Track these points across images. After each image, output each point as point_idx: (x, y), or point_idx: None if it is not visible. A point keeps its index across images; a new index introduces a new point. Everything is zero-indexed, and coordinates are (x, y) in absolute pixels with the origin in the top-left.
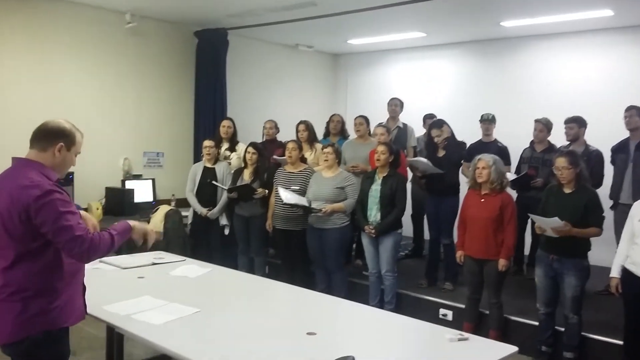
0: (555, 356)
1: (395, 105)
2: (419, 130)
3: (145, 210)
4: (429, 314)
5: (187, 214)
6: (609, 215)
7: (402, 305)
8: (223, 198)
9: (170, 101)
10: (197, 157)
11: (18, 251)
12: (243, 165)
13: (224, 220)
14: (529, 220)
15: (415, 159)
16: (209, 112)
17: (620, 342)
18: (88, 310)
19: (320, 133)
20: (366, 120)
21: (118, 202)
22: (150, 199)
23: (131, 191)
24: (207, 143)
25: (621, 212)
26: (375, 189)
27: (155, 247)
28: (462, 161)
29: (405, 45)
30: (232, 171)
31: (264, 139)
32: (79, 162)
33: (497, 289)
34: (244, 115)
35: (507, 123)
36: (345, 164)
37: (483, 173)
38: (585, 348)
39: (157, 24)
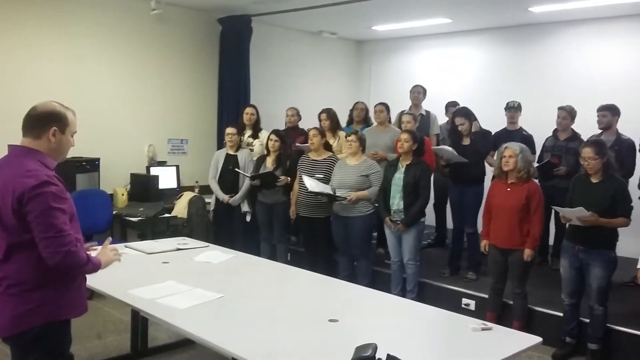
0: (580, 347)
1: (418, 93)
2: (442, 118)
3: (169, 197)
4: (451, 303)
5: (210, 200)
6: (637, 205)
7: (424, 294)
8: (245, 185)
9: (194, 88)
10: (221, 144)
11: (13, 242)
12: (265, 152)
13: (245, 207)
14: (553, 210)
15: (440, 147)
16: (233, 100)
17: None
18: (113, 294)
19: (343, 121)
20: (386, 107)
21: (143, 188)
22: (174, 185)
23: (156, 177)
24: (229, 130)
25: None
26: (399, 177)
27: (180, 233)
28: (490, 152)
29: (430, 32)
30: (255, 158)
31: (286, 127)
32: (105, 149)
33: (522, 279)
34: (267, 102)
35: (533, 111)
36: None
37: (510, 162)
38: (610, 340)
39: (182, 11)
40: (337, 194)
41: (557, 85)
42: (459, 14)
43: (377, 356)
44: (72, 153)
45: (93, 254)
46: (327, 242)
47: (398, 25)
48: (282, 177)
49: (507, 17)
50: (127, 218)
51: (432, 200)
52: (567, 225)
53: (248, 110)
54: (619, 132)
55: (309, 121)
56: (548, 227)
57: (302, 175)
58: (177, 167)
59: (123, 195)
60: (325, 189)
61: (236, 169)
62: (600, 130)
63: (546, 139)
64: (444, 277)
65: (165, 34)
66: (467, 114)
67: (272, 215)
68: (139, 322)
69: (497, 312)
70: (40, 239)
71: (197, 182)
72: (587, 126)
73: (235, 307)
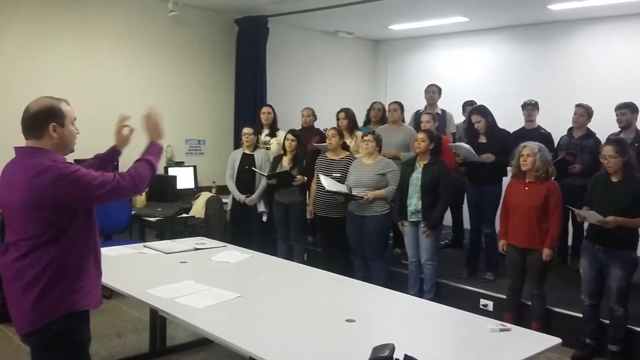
0: (600, 349)
1: (433, 92)
2: (458, 117)
3: (187, 197)
4: (469, 304)
5: (227, 200)
6: None
7: (442, 295)
8: (261, 185)
9: (211, 89)
10: (238, 144)
11: (36, 239)
12: (282, 152)
13: (262, 207)
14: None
15: (458, 144)
16: (249, 100)
17: None
18: (132, 294)
19: (360, 121)
20: (400, 106)
21: (161, 188)
22: (192, 185)
23: (174, 178)
24: (246, 130)
25: None
26: (416, 177)
27: (197, 233)
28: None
29: (447, 31)
30: (271, 158)
31: (302, 127)
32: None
33: (540, 280)
34: (283, 102)
35: (551, 110)
36: None
37: (528, 161)
38: (630, 341)
39: (199, 12)
40: (353, 193)
41: (575, 83)
42: (476, 12)
43: (394, 356)
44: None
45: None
46: (344, 242)
47: (415, 24)
48: (299, 177)
49: (525, 15)
50: (146, 218)
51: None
52: (585, 224)
53: (265, 109)
54: (639, 130)
55: (324, 121)
56: (567, 228)
57: (319, 174)
58: (195, 167)
59: (142, 195)
60: (342, 188)
61: (253, 168)
62: (620, 129)
63: (561, 137)
64: (461, 277)
65: (183, 36)
66: (484, 112)
67: (288, 215)
68: (158, 321)
69: (515, 312)
70: (108, 197)
71: (214, 182)
72: (605, 124)
73: (252, 307)
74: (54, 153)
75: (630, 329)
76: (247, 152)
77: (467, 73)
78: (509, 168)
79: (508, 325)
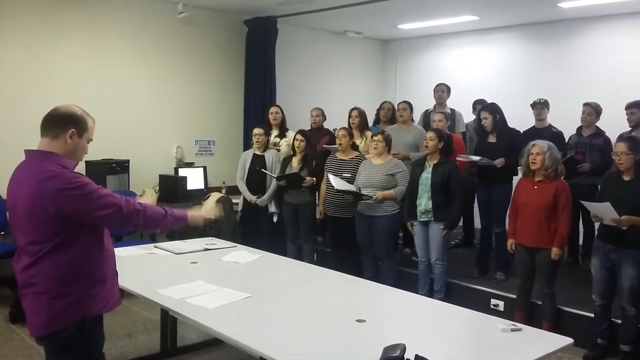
0: (612, 349)
1: (442, 92)
2: (468, 116)
3: (197, 198)
4: (479, 304)
5: (238, 201)
6: None
7: (452, 295)
8: (272, 185)
9: (220, 90)
10: (247, 145)
11: (46, 245)
12: (292, 152)
13: (272, 208)
14: (581, 210)
15: (465, 156)
16: (259, 100)
17: None
18: (143, 294)
19: (370, 120)
20: (409, 105)
21: (171, 189)
22: (202, 186)
23: (184, 178)
24: (256, 131)
25: None
26: (426, 176)
27: (207, 234)
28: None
29: (457, 30)
30: (281, 158)
31: (311, 127)
32: (135, 151)
33: (550, 279)
34: (293, 103)
35: (562, 108)
36: None
37: (537, 159)
38: None
39: (208, 14)
40: (362, 193)
41: (586, 81)
42: (486, 11)
43: (405, 357)
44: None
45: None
46: (354, 242)
47: (424, 23)
48: (308, 178)
49: (535, 13)
50: None
51: None
52: (596, 224)
53: (273, 110)
54: None
55: (334, 121)
56: (577, 227)
57: (328, 174)
58: (205, 168)
59: (152, 196)
60: (351, 187)
61: (262, 170)
62: (630, 128)
63: (570, 136)
64: (472, 277)
65: (192, 37)
66: (493, 110)
67: (298, 215)
68: (168, 321)
69: (525, 312)
70: (107, 221)
71: (224, 182)
72: (616, 123)
73: (262, 307)
74: (64, 158)
75: None
76: (258, 152)
77: (477, 72)
78: (519, 167)
79: (519, 325)
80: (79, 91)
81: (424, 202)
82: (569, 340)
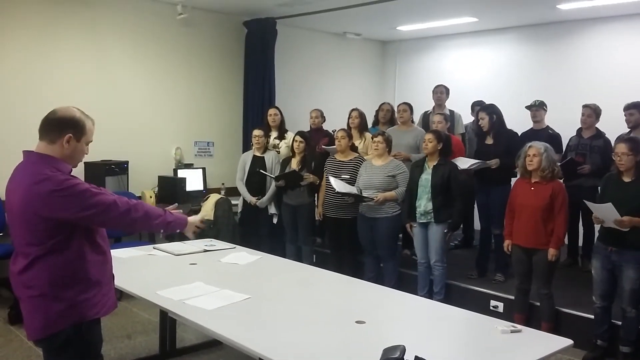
0: (612, 350)
1: (441, 93)
2: (467, 118)
3: (196, 199)
4: (479, 305)
5: (237, 202)
6: None
7: (452, 296)
8: (272, 187)
9: (220, 91)
10: (246, 146)
11: (40, 247)
12: (291, 154)
13: (272, 209)
14: (581, 211)
15: (459, 159)
16: (258, 102)
17: None
18: (142, 295)
19: (369, 122)
20: (410, 107)
21: (170, 190)
22: (201, 187)
23: (183, 180)
24: (256, 132)
25: None
26: (426, 178)
27: (206, 235)
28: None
29: (456, 31)
30: (281, 160)
31: (311, 128)
32: (134, 152)
33: (547, 280)
34: (292, 104)
35: (560, 110)
36: None
37: (534, 161)
38: None
39: (208, 15)
40: (364, 195)
41: (585, 83)
42: (485, 12)
43: (405, 358)
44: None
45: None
46: (353, 243)
47: (423, 25)
48: (306, 175)
49: (535, 15)
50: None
51: None
52: (597, 226)
53: (271, 111)
54: None
55: (333, 123)
56: (577, 228)
57: (329, 176)
58: (204, 169)
59: (151, 197)
60: (352, 189)
61: (261, 170)
62: (629, 129)
63: (570, 138)
64: (471, 278)
65: (191, 38)
66: (490, 111)
67: (297, 216)
68: (167, 322)
69: (524, 313)
70: (99, 220)
71: (223, 184)
72: (615, 124)
73: (262, 308)
74: (60, 162)
75: None
76: (258, 154)
77: (476, 73)
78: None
79: (519, 326)
80: (78, 92)
81: (423, 203)
82: (568, 342)
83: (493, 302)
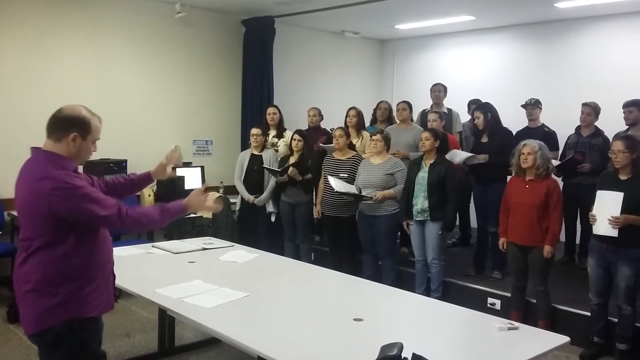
0: (608, 347)
1: (439, 91)
2: (465, 116)
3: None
4: (476, 302)
5: (235, 200)
6: None
7: (449, 294)
8: (270, 185)
9: (218, 90)
10: (245, 145)
11: (39, 241)
12: (289, 152)
13: (270, 207)
14: (579, 209)
15: (453, 152)
16: (256, 100)
17: None
18: (141, 293)
19: (367, 120)
20: (409, 105)
21: (169, 189)
22: (199, 186)
23: (181, 178)
24: (254, 131)
25: None
26: (423, 176)
27: (205, 233)
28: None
29: (454, 30)
30: (279, 158)
31: (309, 127)
32: (132, 150)
33: (543, 277)
34: (290, 102)
35: (558, 108)
36: None
37: (528, 159)
38: (639, 339)
39: (206, 14)
40: (362, 194)
41: (582, 81)
42: (483, 11)
43: (402, 355)
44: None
45: None
46: (352, 241)
47: (421, 23)
48: (291, 172)
49: (532, 13)
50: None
51: None
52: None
53: (270, 110)
54: None
55: (331, 121)
56: (575, 226)
57: (328, 175)
58: (202, 167)
59: (150, 196)
60: (351, 188)
61: (264, 166)
62: (627, 127)
63: (569, 136)
64: (469, 276)
65: (190, 37)
66: (484, 109)
67: (295, 214)
68: (166, 320)
69: (521, 310)
70: (97, 224)
71: (221, 182)
72: (612, 123)
73: (260, 306)
74: (66, 160)
75: (638, 328)
76: (255, 152)
77: (474, 72)
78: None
79: (516, 323)
80: (77, 91)
81: (420, 201)
82: (565, 339)
83: (490, 300)
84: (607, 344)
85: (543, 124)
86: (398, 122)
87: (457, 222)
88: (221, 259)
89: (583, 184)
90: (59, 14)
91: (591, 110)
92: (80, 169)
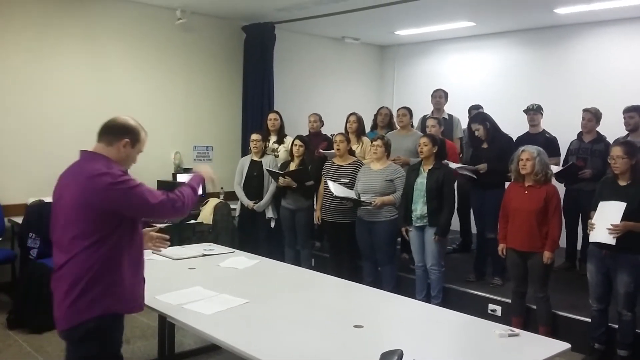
0: (609, 354)
1: (440, 97)
2: (466, 122)
3: (195, 203)
4: (477, 309)
5: (236, 206)
6: None
7: (450, 300)
8: (270, 190)
9: (219, 96)
10: (245, 151)
11: (87, 239)
12: (290, 158)
13: (270, 213)
14: (581, 215)
15: (446, 162)
16: (257, 106)
17: None
18: None
19: (367, 126)
20: (409, 111)
21: None
22: (200, 192)
23: (182, 184)
24: (254, 136)
25: None
26: (421, 182)
27: (205, 239)
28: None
29: (454, 35)
30: (279, 164)
31: (309, 132)
32: None
33: (543, 283)
34: (291, 108)
35: (558, 114)
36: None
37: (527, 165)
38: None
39: (207, 20)
40: (362, 199)
41: (582, 87)
42: (482, 17)
43: None
44: None
45: None
46: (352, 247)
47: (421, 29)
48: (282, 180)
49: (532, 19)
50: (154, 224)
51: (456, 205)
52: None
53: (271, 116)
54: None
55: (331, 127)
56: (576, 232)
57: (327, 180)
58: None
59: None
60: (350, 194)
61: (267, 169)
62: (627, 132)
63: (571, 142)
64: (469, 282)
65: (191, 43)
66: (482, 119)
67: (295, 220)
68: (166, 327)
69: (522, 316)
70: (145, 214)
71: (222, 188)
72: (613, 128)
73: (260, 313)
74: (113, 162)
75: (639, 334)
76: (255, 158)
77: (474, 77)
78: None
79: (516, 330)
80: (78, 97)
81: (419, 207)
82: (566, 346)
83: (491, 306)
84: (608, 350)
85: (544, 129)
86: (398, 128)
87: (459, 228)
88: (221, 265)
89: (584, 189)
90: (59, 20)
91: (592, 116)
92: None
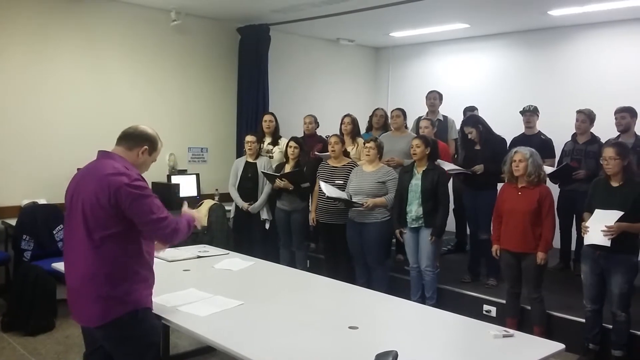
0: (603, 354)
1: (434, 99)
2: (460, 123)
3: (190, 205)
4: (472, 310)
5: (230, 208)
6: None
7: (445, 301)
8: (264, 192)
9: (213, 97)
10: (240, 152)
11: (103, 235)
12: (284, 159)
13: (265, 215)
14: (574, 216)
15: (440, 162)
16: (251, 108)
17: None
18: None
19: (362, 127)
20: (403, 112)
21: (164, 196)
22: (194, 193)
23: (177, 186)
24: (249, 138)
25: None
26: (416, 183)
27: (200, 241)
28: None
29: (448, 37)
30: (274, 166)
31: (304, 134)
32: None
33: (537, 284)
34: (286, 110)
35: (552, 115)
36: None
37: (520, 166)
38: (634, 346)
39: (201, 21)
40: (354, 200)
41: (576, 88)
42: (477, 18)
43: None
44: None
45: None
46: (347, 248)
47: (416, 31)
48: (277, 182)
49: (526, 21)
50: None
51: (451, 206)
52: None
53: (266, 117)
54: (638, 135)
55: (326, 128)
56: (570, 233)
57: (320, 180)
58: (198, 175)
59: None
60: (342, 194)
61: (262, 171)
62: (618, 133)
63: (565, 144)
64: (464, 283)
65: (185, 44)
66: (474, 122)
67: (290, 222)
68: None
69: (516, 316)
70: (147, 228)
71: (217, 189)
72: (606, 129)
73: (255, 314)
74: (131, 165)
75: (633, 334)
76: (250, 160)
77: (469, 79)
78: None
79: (511, 331)
80: (73, 98)
81: (414, 208)
82: (560, 346)
83: (486, 307)
84: (602, 351)
85: (540, 131)
86: (393, 129)
87: (454, 229)
88: (216, 267)
89: (579, 190)
90: (55, 22)
91: (585, 117)
92: None
